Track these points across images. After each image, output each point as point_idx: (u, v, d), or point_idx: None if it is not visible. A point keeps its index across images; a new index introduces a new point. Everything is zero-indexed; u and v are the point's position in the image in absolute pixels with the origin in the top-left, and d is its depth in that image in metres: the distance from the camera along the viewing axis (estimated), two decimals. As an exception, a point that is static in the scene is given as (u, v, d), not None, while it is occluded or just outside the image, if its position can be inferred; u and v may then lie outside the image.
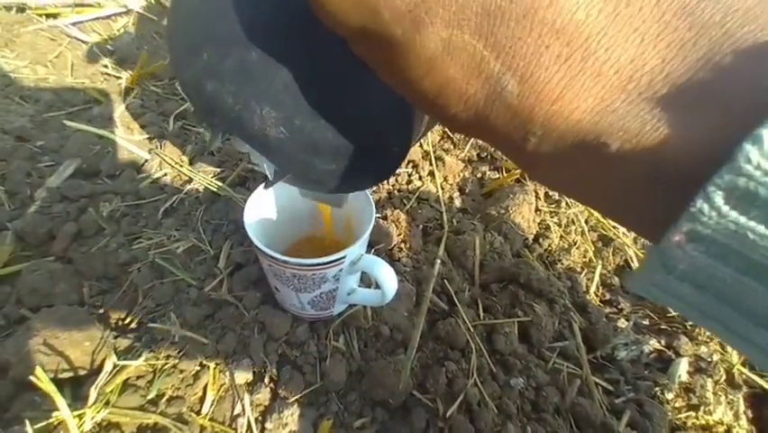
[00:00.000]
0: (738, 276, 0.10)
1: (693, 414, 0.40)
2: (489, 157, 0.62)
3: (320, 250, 0.32)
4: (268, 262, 0.32)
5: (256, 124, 0.17)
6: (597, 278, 0.50)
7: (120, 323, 0.39)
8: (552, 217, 0.55)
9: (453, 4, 0.11)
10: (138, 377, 0.35)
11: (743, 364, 0.44)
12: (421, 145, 0.61)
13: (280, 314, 0.39)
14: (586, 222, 0.55)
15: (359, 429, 0.35)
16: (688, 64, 0.10)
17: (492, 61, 0.12)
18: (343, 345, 0.39)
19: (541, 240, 0.52)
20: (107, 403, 0.33)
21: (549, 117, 0.12)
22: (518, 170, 0.58)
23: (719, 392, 0.42)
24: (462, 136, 0.63)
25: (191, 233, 0.46)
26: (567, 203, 0.57)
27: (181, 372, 0.36)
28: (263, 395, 0.35)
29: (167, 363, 0.36)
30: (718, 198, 0.09)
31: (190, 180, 0.52)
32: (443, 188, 0.56)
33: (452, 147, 0.63)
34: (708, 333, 0.46)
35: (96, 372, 0.35)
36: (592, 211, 0.56)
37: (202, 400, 0.35)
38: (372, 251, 0.46)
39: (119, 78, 0.65)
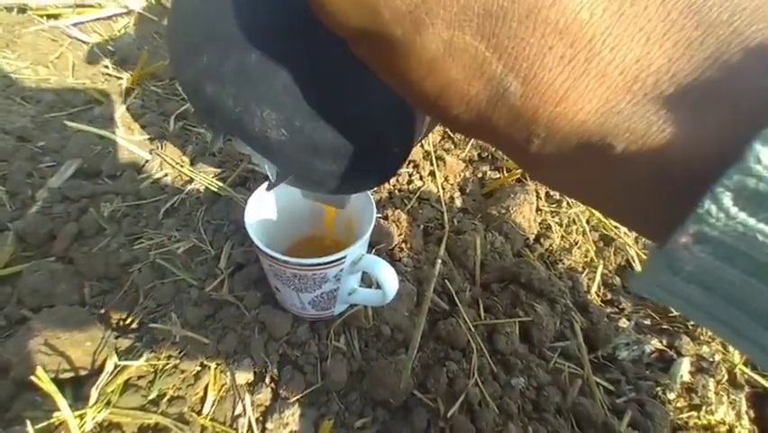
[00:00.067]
0: (746, 278, 0.10)
1: (695, 414, 0.40)
2: (489, 157, 0.62)
3: (321, 250, 0.32)
4: (268, 262, 0.32)
5: (257, 126, 0.17)
6: (598, 278, 0.50)
7: (121, 323, 0.39)
8: (553, 217, 0.55)
9: (455, 5, 0.11)
10: (139, 377, 0.35)
11: (745, 364, 0.44)
12: (422, 145, 0.61)
13: (281, 314, 0.39)
14: (587, 222, 0.55)
15: (360, 429, 0.35)
16: (695, 63, 0.10)
17: (494, 62, 0.11)
18: (344, 345, 0.39)
19: (542, 240, 0.52)
20: (108, 403, 0.33)
21: (553, 119, 0.12)
22: (519, 170, 0.58)
23: (721, 392, 0.42)
24: (463, 136, 0.63)
25: (192, 233, 0.46)
26: (568, 203, 0.57)
27: (182, 372, 0.36)
28: (264, 395, 0.35)
29: (168, 364, 0.36)
30: (727, 199, 0.09)
31: (191, 181, 0.52)
32: (443, 188, 0.56)
33: (452, 147, 0.63)
34: (709, 333, 0.46)
35: (96, 372, 0.35)
36: (593, 211, 0.56)
37: (203, 400, 0.35)
38: (373, 251, 0.46)
39: (120, 78, 0.65)
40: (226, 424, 0.34)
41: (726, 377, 0.43)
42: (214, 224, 0.48)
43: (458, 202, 0.56)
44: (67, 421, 0.30)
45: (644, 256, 0.52)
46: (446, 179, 0.58)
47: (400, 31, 0.12)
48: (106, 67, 0.67)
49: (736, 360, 0.44)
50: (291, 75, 0.16)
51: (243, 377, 0.36)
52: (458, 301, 0.43)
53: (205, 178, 0.52)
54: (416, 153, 0.59)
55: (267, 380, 0.36)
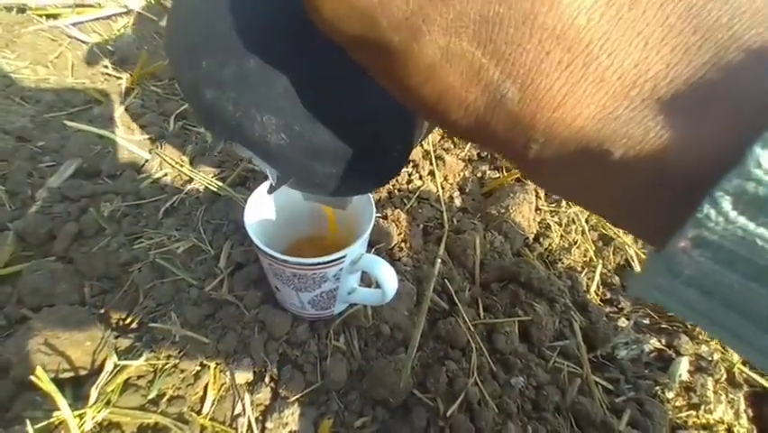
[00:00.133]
0: (746, 282, 0.10)
1: (694, 413, 0.40)
2: (489, 156, 0.62)
3: (320, 249, 0.32)
4: (268, 261, 0.32)
5: (256, 131, 0.17)
6: (597, 277, 0.50)
7: (121, 323, 0.39)
8: (552, 217, 0.55)
9: (451, 12, 0.11)
10: (139, 377, 0.35)
11: (743, 363, 0.44)
12: (421, 145, 0.61)
13: (281, 313, 0.39)
14: (586, 221, 0.55)
15: (359, 429, 0.35)
16: (693, 68, 0.10)
17: (492, 69, 0.11)
18: (344, 345, 0.39)
19: (541, 239, 0.52)
20: (108, 403, 0.33)
21: (551, 125, 0.12)
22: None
23: (720, 391, 0.42)
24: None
25: (192, 233, 0.46)
26: (567, 202, 0.57)
27: (182, 371, 0.36)
28: (264, 395, 0.35)
29: (167, 363, 0.36)
30: (726, 204, 0.09)
31: (191, 180, 0.52)
32: (443, 188, 0.56)
33: (452, 146, 0.63)
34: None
35: (96, 371, 0.35)
36: (592, 210, 0.56)
37: (203, 399, 0.35)
38: (373, 250, 0.46)
39: (119, 78, 0.65)
40: (226, 423, 0.34)
41: (724, 376, 0.43)
42: (213, 223, 0.48)
43: (457, 201, 0.56)
44: (66, 421, 0.30)
45: (643, 256, 0.52)
46: (446, 179, 0.58)
47: (397, 38, 0.12)
48: (106, 66, 0.67)
49: (734, 359, 0.44)
50: (290, 80, 0.16)
51: (243, 376, 0.36)
52: (457, 301, 0.43)
53: (204, 177, 0.52)
54: (416, 153, 0.59)
55: (266, 379, 0.36)
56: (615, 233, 0.54)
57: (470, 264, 0.48)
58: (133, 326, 0.39)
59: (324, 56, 0.15)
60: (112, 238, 0.44)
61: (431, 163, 0.58)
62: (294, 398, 0.35)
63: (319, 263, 0.31)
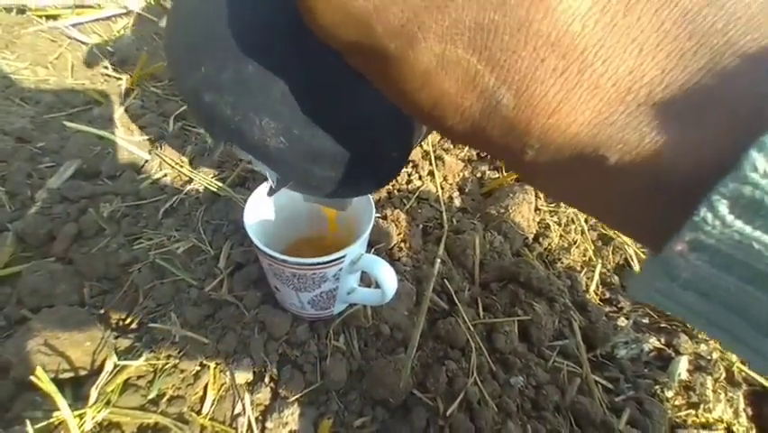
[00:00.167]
0: (743, 285, 0.10)
1: (693, 412, 0.40)
2: (488, 157, 0.62)
3: (320, 249, 0.33)
4: (268, 261, 0.32)
5: (255, 135, 0.17)
6: (596, 277, 0.50)
7: (120, 323, 0.39)
8: (551, 216, 0.55)
9: (446, 19, 0.11)
10: (138, 377, 0.35)
11: (742, 362, 0.44)
12: (421, 145, 0.61)
13: (281, 313, 0.39)
14: (586, 221, 0.56)
15: (359, 428, 0.35)
16: (688, 74, 0.10)
17: (487, 75, 0.12)
18: (344, 345, 0.39)
19: (541, 239, 0.52)
20: (108, 403, 0.33)
21: (546, 131, 0.12)
22: (518, 170, 0.58)
23: (719, 390, 0.42)
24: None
25: (191, 233, 0.46)
26: (566, 202, 0.57)
27: (182, 371, 0.36)
28: (264, 394, 0.35)
29: (167, 363, 0.36)
30: (723, 207, 0.09)
31: (190, 181, 0.52)
32: (442, 188, 0.57)
33: (451, 147, 0.63)
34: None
35: (96, 372, 0.35)
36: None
37: (202, 399, 0.35)
38: (372, 250, 0.46)
39: (119, 79, 0.65)
40: (226, 423, 0.34)
41: (723, 375, 0.43)
42: (213, 224, 0.48)
43: (457, 202, 0.56)
44: (66, 421, 0.30)
45: (642, 255, 0.52)
46: (445, 179, 0.58)
47: (393, 44, 0.12)
48: (106, 67, 0.67)
49: (733, 358, 0.44)
50: (288, 85, 0.16)
51: (243, 376, 0.36)
52: (457, 300, 0.43)
53: (204, 178, 0.52)
54: (416, 153, 0.59)
55: (266, 379, 0.36)
56: (614, 232, 0.54)
57: (469, 264, 0.48)
58: (133, 326, 0.39)
59: (322, 61, 0.15)
60: (111, 239, 0.44)
61: (430, 163, 0.59)
62: (294, 398, 0.35)
63: (319, 263, 0.31)
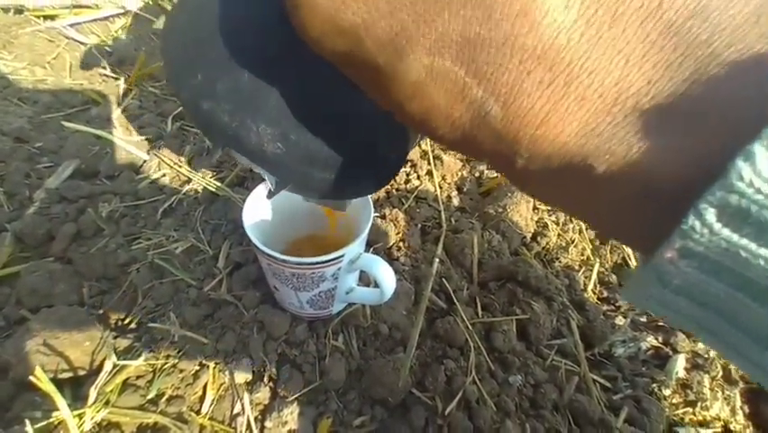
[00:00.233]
0: (733, 292, 0.10)
1: (690, 410, 0.41)
2: (486, 156, 0.62)
3: (319, 249, 0.33)
4: (267, 261, 0.32)
5: (253, 141, 0.17)
6: (594, 276, 0.50)
7: (119, 323, 0.39)
8: (549, 216, 0.55)
9: (433, 33, 0.11)
10: (138, 377, 0.35)
11: (740, 361, 0.44)
12: (419, 145, 0.61)
13: (279, 313, 0.39)
14: (583, 220, 0.56)
15: (358, 428, 0.35)
16: (674, 84, 0.10)
17: (475, 87, 0.12)
18: (342, 344, 0.39)
19: (539, 238, 0.53)
20: (107, 403, 0.33)
21: (534, 141, 0.12)
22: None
23: (716, 388, 0.42)
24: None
25: (190, 233, 0.46)
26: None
27: (181, 371, 0.36)
28: (263, 394, 0.35)
29: (166, 363, 0.36)
30: (710, 216, 0.09)
31: (189, 181, 0.52)
32: (441, 187, 0.57)
33: (449, 146, 0.63)
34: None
35: (95, 372, 0.35)
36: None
37: (202, 399, 0.35)
38: (371, 250, 0.46)
39: (117, 79, 0.65)
40: (225, 423, 0.34)
41: (720, 373, 0.43)
42: (212, 223, 0.48)
43: (455, 201, 0.56)
44: (66, 421, 0.31)
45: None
46: (444, 179, 0.58)
47: (383, 57, 0.12)
48: (104, 67, 0.67)
49: (731, 356, 0.45)
50: (283, 92, 0.16)
51: (242, 376, 0.36)
52: (455, 300, 0.44)
53: (202, 178, 0.52)
54: (414, 153, 0.59)
55: (265, 379, 0.36)
56: (612, 231, 0.54)
57: (468, 263, 0.48)
58: (132, 326, 0.39)
59: (316, 68, 0.15)
60: (110, 239, 0.44)
61: (429, 163, 0.59)
62: (293, 397, 0.35)
63: (317, 263, 0.31)
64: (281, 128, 0.17)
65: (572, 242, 0.53)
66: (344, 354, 0.38)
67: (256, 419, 0.34)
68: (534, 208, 0.55)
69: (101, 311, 0.39)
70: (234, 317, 0.39)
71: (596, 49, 0.10)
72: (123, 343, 0.37)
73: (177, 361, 0.36)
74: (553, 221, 0.55)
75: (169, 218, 0.48)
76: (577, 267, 0.51)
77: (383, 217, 0.50)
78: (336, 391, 0.37)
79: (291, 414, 0.34)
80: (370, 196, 0.36)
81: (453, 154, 0.61)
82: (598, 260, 0.52)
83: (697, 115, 0.10)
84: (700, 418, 0.40)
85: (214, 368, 0.36)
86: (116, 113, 0.58)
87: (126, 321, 0.39)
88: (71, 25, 0.72)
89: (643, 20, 0.10)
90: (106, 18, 0.76)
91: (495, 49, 0.11)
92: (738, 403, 0.42)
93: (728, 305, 0.11)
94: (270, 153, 0.17)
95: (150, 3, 0.81)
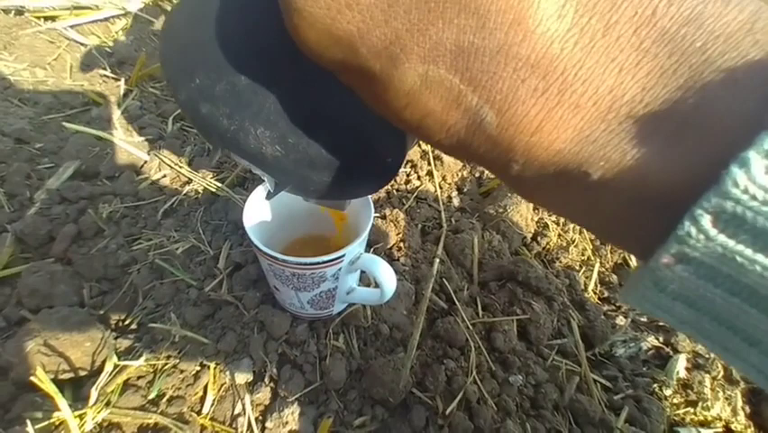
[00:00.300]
0: (729, 297, 0.10)
1: (691, 410, 0.41)
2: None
3: (319, 249, 0.33)
4: (267, 261, 0.32)
5: (252, 144, 0.17)
6: (595, 276, 0.50)
7: (120, 324, 0.39)
8: (550, 216, 0.55)
9: (427, 42, 0.11)
10: (138, 377, 0.35)
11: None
12: (419, 145, 0.61)
13: (280, 313, 0.39)
14: (584, 220, 0.56)
15: (359, 428, 0.35)
16: (668, 92, 0.10)
17: (470, 95, 0.12)
18: (343, 344, 0.39)
19: (539, 238, 0.53)
20: (108, 403, 0.33)
21: (529, 148, 0.12)
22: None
23: (717, 388, 0.42)
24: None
25: (190, 233, 0.46)
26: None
27: (182, 372, 0.36)
28: (263, 394, 0.35)
29: (167, 364, 0.36)
30: (706, 222, 0.10)
31: (189, 181, 0.52)
32: (441, 188, 0.57)
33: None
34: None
35: (96, 372, 0.35)
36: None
37: (202, 399, 0.35)
38: (371, 250, 0.46)
39: (118, 80, 0.65)
40: (226, 423, 0.34)
41: (721, 373, 0.43)
42: (212, 224, 0.48)
43: (455, 201, 0.56)
44: (67, 421, 0.31)
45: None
46: (444, 179, 0.58)
47: (378, 65, 0.12)
48: (104, 68, 0.67)
49: (731, 356, 0.45)
50: (281, 96, 0.16)
51: (243, 376, 0.36)
52: (456, 300, 0.44)
53: (203, 178, 0.52)
54: (414, 153, 0.59)
55: (266, 379, 0.36)
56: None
57: (468, 264, 0.48)
58: (133, 326, 0.39)
59: (313, 72, 0.15)
60: (111, 239, 0.44)
61: (429, 163, 0.59)
62: (293, 397, 0.35)
63: (318, 263, 0.31)
64: (279, 131, 0.17)
65: (573, 242, 0.53)
66: (345, 354, 0.38)
67: (257, 419, 0.34)
68: (535, 209, 0.55)
69: (102, 312, 0.39)
70: (235, 317, 0.39)
71: (589, 57, 0.11)
72: (124, 343, 0.37)
73: (177, 361, 0.36)
74: (554, 221, 0.55)
75: (169, 219, 0.48)
76: (577, 267, 0.51)
77: (383, 218, 0.50)
78: (337, 391, 0.37)
79: (292, 414, 0.34)
80: (370, 196, 0.36)
81: (454, 154, 0.61)
82: (598, 260, 0.52)
83: (691, 121, 0.10)
84: (701, 418, 0.40)
85: (215, 368, 0.36)
86: (117, 114, 0.58)
87: (127, 322, 0.39)
88: (72, 26, 0.72)
89: (636, 28, 0.10)
90: (107, 19, 0.76)
91: (489, 57, 0.11)
92: (739, 403, 0.42)
93: (725, 310, 0.11)
94: (269, 156, 0.18)
95: (151, 4, 0.81)
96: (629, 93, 0.11)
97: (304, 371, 0.37)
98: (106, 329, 0.37)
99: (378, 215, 0.50)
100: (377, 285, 0.34)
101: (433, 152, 0.60)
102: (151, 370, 0.36)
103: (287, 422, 0.34)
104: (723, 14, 0.10)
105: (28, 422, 0.30)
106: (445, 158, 0.59)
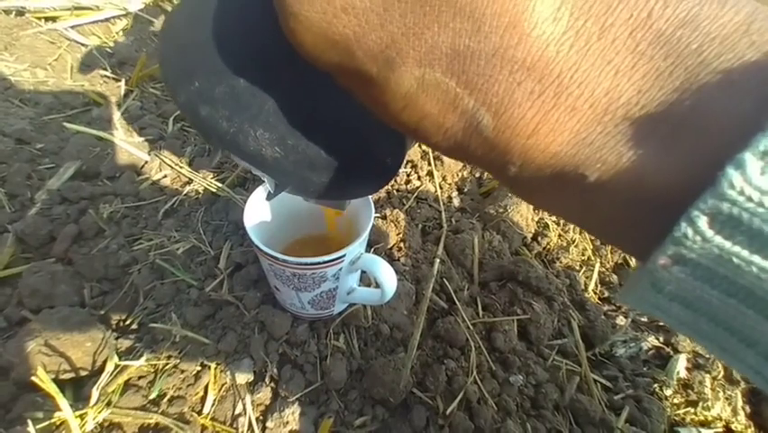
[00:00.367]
0: (725, 298, 0.10)
1: (692, 410, 0.41)
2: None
3: (320, 249, 0.33)
4: (268, 261, 0.33)
5: (251, 145, 0.17)
6: (595, 276, 0.50)
7: (121, 324, 0.39)
8: (550, 216, 0.55)
9: (423, 45, 0.11)
10: (139, 377, 0.35)
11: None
12: (419, 145, 0.61)
13: (280, 314, 0.39)
14: (584, 220, 0.56)
15: (359, 428, 0.35)
16: (664, 94, 0.10)
17: (466, 98, 0.12)
18: (344, 344, 0.39)
19: (539, 238, 0.53)
20: (109, 403, 0.33)
21: (526, 150, 0.12)
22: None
23: (717, 388, 0.42)
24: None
25: (191, 234, 0.46)
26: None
27: (182, 372, 0.36)
28: (264, 394, 0.35)
29: (168, 364, 0.36)
30: (702, 223, 0.10)
31: (190, 182, 0.52)
32: (441, 188, 0.57)
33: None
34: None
35: (97, 372, 0.35)
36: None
37: (203, 399, 0.35)
38: (372, 250, 0.46)
39: (118, 80, 0.65)
40: (227, 423, 0.34)
41: (722, 373, 0.43)
42: (213, 224, 0.48)
43: (456, 201, 0.56)
44: (68, 421, 0.31)
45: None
46: (444, 179, 0.58)
47: (374, 68, 0.12)
48: (105, 69, 0.67)
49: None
50: (280, 98, 0.16)
51: (243, 377, 0.36)
52: (456, 300, 0.44)
53: (203, 179, 0.52)
54: (414, 153, 0.59)
55: (267, 379, 0.36)
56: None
57: (468, 264, 0.48)
58: (134, 326, 0.39)
59: (311, 74, 0.16)
60: (111, 240, 0.44)
61: (429, 163, 0.59)
62: (294, 397, 0.35)
63: (318, 263, 0.31)
64: (279, 133, 0.17)
65: (573, 242, 0.53)
66: (345, 354, 0.39)
67: (257, 419, 0.34)
68: (535, 209, 0.55)
69: (102, 312, 0.39)
70: (235, 317, 0.39)
71: (585, 60, 0.11)
72: (125, 343, 0.37)
73: (178, 361, 0.36)
74: (554, 221, 0.55)
75: (170, 219, 0.48)
76: (578, 267, 0.51)
77: (384, 218, 0.50)
78: (337, 391, 0.37)
79: (292, 414, 0.34)
80: (370, 196, 0.36)
81: (454, 155, 0.61)
82: (598, 260, 0.52)
83: (687, 123, 0.10)
84: (702, 418, 0.40)
85: (216, 368, 0.36)
86: (117, 114, 0.59)
87: (128, 322, 0.39)
88: (72, 27, 0.72)
89: (632, 30, 0.10)
90: (107, 20, 0.76)
91: (485, 61, 0.11)
92: (740, 403, 0.42)
93: (722, 311, 0.11)
94: (269, 157, 0.18)
95: (151, 4, 0.81)
96: (625, 95, 0.11)
97: (304, 371, 0.37)
98: (107, 329, 0.37)
99: (378, 215, 0.50)
100: (377, 285, 0.34)
101: (433, 152, 0.60)
102: (152, 370, 0.36)
103: (287, 422, 0.34)
104: (719, 16, 0.10)
105: (29, 422, 0.30)
106: (445, 158, 0.59)
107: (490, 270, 0.48)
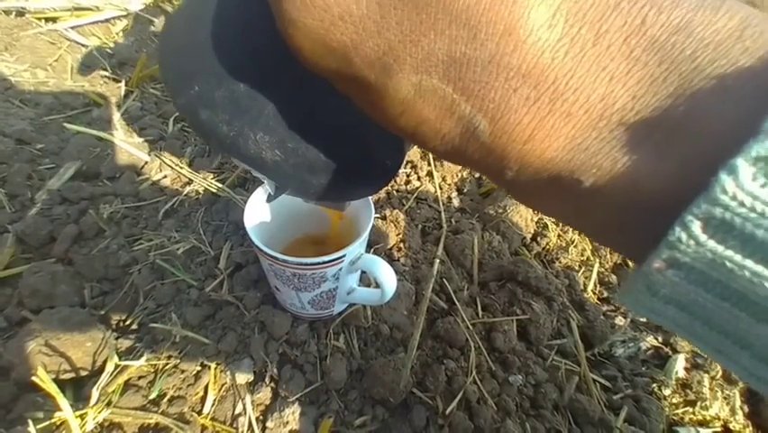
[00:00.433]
0: (719, 302, 0.10)
1: (690, 409, 0.41)
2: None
3: (320, 249, 0.33)
4: (268, 261, 0.33)
5: (251, 149, 0.17)
6: (594, 276, 0.50)
7: (121, 324, 0.39)
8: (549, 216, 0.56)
9: (420, 52, 0.12)
10: (139, 377, 0.35)
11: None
12: (419, 146, 0.61)
13: (280, 314, 0.39)
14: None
15: (359, 427, 0.35)
16: (659, 100, 0.10)
17: (463, 104, 0.12)
18: (344, 344, 0.39)
19: (539, 239, 0.53)
20: (109, 403, 0.33)
21: (522, 156, 0.12)
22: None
23: (716, 388, 0.42)
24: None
25: (191, 234, 0.46)
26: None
27: (182, 372, 0.36)
28: (264, 394, 0.36)
29: (168, 364, 0.36)
30: (695, 228, 0.10)
31: (190, 182, 0.52)
32: (441, 188, 0.57)
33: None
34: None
35: (97, 372, 0.35)
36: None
37: (203, 399, 0.35)
38: (372, 250, 0.47)
39: (118, 81, 0.65)
40: (227, 423, 0.34)
41: (720, 373, 0.44)
42: (213, 224, 0.48)
43: (455, 202, 0.56)
44: (68, 421, 0.31)
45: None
46: (444, 180, 0.59)
47: (372, 75, 0.12)
48: (105, 69, 0.67)
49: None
50: (279, 102, 0.17)
51: (243, 377, 0.36)
52: (456, 300, 0.44)
53: (204, 179, 0.52)
54: (414, 154, 0.60)
55: (267, 379, 0.36)
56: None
57: (468, 264, 0.48)
58: (134, 326, 0.39)
59: (310, 79, 0.16)
60: (111, 240, 0.44)
61: (429, 164, 0.59)
62: (294, 397, 0.35)
63: (319, 263, 0.31)
64: (278, 136, 0.17)
65: (572, 242, 0.53)
66: (345, 354, 0.39)
67: (257, 419, 0.34)
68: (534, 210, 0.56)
69: (102, 312, 0.39)
70: (236, 317, 0.39)
71: (580, 66, 0.11)
72: (125, 343, 0.37)
73: (178, 361, 0.36)
74: (553, 222, 0.55)
75: (170, 219, 0.48)
76: (577, 267, 0.51)
77: (384, 218, 0.50)
78: (337, 391, 0.37)
79: (293, 414, 0.34)
80: (370, 197, 0.36)
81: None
82: (597, 260, 0.52)
83: (681, 128, 0.10)
84: (700, 417, 0.40)
85: (216, 368, 0.36)
86: (117, 114, 0.59)
87: (128, 322, 0.39)
88: (72, 27, 0.72)
89: (626, 37, 0.10)
90: (108, 20, 0.77)
91: (481, 67, 0.11)
92: (738, 403, 0.42)
93: (716, 314, 0.11)
94: (269, 160, 0.18)
95: (152, 4, 0.81)
96: (620, 101, 0.11)
97: (304, 371, 0.37)
98: (107, 329, 0.37)
99: (378, 215, 0.50)
100: (377, 285, 0.34)
101: (432, 152, 0.60)
102: (152, 370, 0.36)
103: (287, 422, 0.34)
104: (712, 22, 0.10)
105: (29, 422, 0.30)
106: (445, 159, 0.59)
107: (490, 270, 0.48)
